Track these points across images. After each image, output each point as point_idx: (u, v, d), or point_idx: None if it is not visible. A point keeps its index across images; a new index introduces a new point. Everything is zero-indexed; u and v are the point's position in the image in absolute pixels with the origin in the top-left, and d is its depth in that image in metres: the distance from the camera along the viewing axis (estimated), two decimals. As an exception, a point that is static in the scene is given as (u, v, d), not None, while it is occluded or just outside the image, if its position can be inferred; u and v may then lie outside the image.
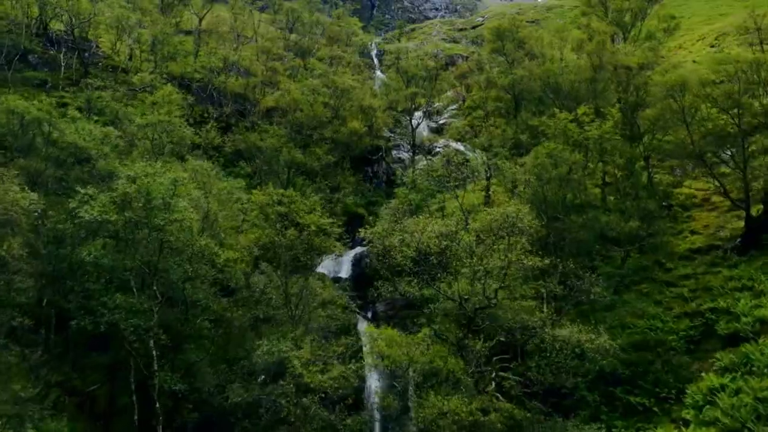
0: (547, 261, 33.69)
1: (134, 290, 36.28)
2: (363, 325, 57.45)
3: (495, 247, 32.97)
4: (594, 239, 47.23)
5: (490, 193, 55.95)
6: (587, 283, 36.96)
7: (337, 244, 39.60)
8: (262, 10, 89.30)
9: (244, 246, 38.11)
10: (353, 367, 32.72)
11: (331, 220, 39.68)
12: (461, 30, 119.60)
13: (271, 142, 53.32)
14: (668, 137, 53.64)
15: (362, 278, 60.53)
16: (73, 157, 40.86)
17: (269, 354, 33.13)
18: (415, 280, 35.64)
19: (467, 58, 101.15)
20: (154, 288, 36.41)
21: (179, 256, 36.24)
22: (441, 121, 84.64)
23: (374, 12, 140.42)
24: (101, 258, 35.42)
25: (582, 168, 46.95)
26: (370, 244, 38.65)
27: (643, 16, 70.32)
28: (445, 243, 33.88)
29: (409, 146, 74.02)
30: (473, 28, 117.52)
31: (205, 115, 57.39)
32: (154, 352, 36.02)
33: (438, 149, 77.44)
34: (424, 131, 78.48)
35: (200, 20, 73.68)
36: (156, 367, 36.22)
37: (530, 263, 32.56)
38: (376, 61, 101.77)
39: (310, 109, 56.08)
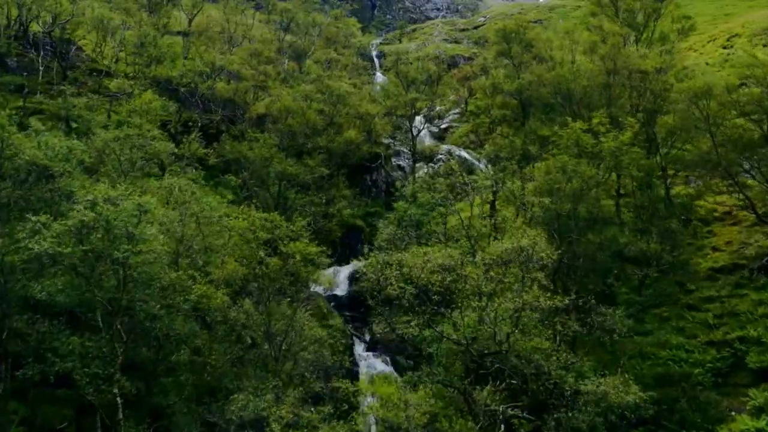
0: (567, 300, 28.23)
1: (100, 328, 31.14)
2: (360, 348, 52.40)
3: (506, 282, 27.54)
4: (611, 260, 41.95)
5: (495, 204, 50.67)
6: (610, 321, 31.56)
7: (326, 275, 34.14)
8: (258, 8, 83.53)
9: (224, 276, 32.68)
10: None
11: (318, 249, 34.16)
12: (463, 30, 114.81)
13: (260, 153, 47.87)
14: (688, 146, 48.52)
15: (359, 295, 55.51)
16: (35, 174, 35.36)
17: (245, 410, 27.77)
18: (415, 321, 30.27)
19: (469, 58, 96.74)
20: (118, 327, 31.11)
21: (147, 290, 30.87)
22: (443, 125, 79.23)
23: (375, 12, 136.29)
24: (56, 295, 30.04)
25: (597, 183, 41.56)
26: (363, 276, 33.16)
27: (657, 17, 64.80)
28: (449, 278, 28.49)
29: (409, 153, 68.49)
30: (475, 28, 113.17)
31: (190, 123, 51.82)
32: (118, 400, 30.74)
33: (440, 156, 72.15)
34: (425, 138, 72.99)
35: (190, 21, 68.23)
36: (121, 416, 30.98)
37: (549, 304, 27.17)
38: (376, 62, 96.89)
39: (303, 117, 50.61)
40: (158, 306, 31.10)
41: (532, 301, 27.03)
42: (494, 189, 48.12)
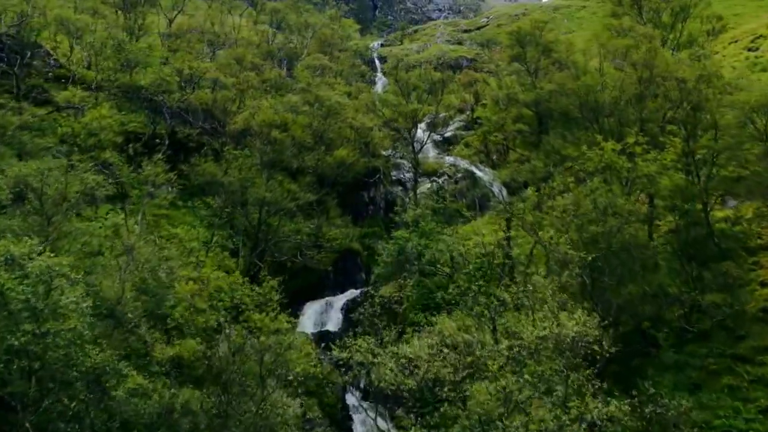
0: (625, 406, 19.45)
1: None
2: (353, 399, 43.89)
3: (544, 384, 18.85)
4: (657, 311, 33.26)
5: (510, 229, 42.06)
6: (674, 412, 22.89)
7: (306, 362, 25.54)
8: (252, 5, 74.05)
9: (170, 356, 23.84)
10: None
11: (289, 322, 25.39)
12: (466, 31, 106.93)
13: (236, 177, 39.12)
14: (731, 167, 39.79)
15: (354, 330, 46.89)
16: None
17: None
18: (417, 425, 21.55)
19: (473, 60, 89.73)
20: (28, 427, 22.45)
21: (63, 377, 22.21)
22: (447, 134, 70.25)
23: (376, 13, 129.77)
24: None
25: (638, 218, 32.81)
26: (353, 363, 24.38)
27: (685, 17, 55.92)
28: (463, 371, 19.86)
29: (410, 165, 59.40)
30: (478, 29, 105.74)
31: (158, 140, 43.10)
32: None
33: (444, 170, 63.28)
34: (429, 149, 63.97)
35: (170, 22, 59.37)
36: None
37: (605, 412, 18.45)
38: (377, 63, 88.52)
39: (287, 133, 41.78)
40: (80, 398, 22.41)
41: (581, 410, 18.33)
42: (509, 217, 39.54)
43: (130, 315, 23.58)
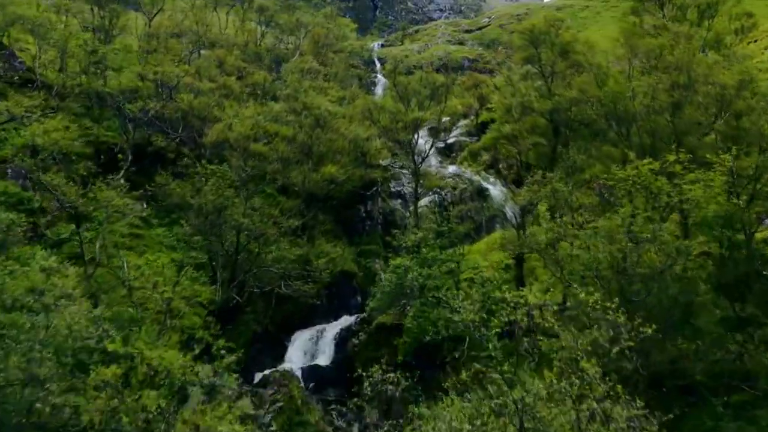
0: None
1: None
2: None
3: None
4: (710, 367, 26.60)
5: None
6: None
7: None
8: (240, 1, 67.15)
9: None
10: None
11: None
12: (467, 31, 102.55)
13: (208, 200, 32.48)
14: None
15: (349, 365, 40.41)
16: None
17: None
18: None
19: (474, 60, 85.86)
20: None
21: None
22: (450, 140, 63.58)
23: (377, 13, 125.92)
24: None
25: (687, 256, 26.17)
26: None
27: (713, 14, 49.25)
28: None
29: (410, 175, 52.56)
30: (479, 29, 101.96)
31: (120, 156, 36.54)
32: None
33: (447, 180, 56.57)
34: (431, 157, 57.20)
35: (150, 21, 52.68)
36: None
37: None
38: (378, 64, 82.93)
39: (269, 147, 35.17)
40: None
41: None
42: (523, 250, 32.97)
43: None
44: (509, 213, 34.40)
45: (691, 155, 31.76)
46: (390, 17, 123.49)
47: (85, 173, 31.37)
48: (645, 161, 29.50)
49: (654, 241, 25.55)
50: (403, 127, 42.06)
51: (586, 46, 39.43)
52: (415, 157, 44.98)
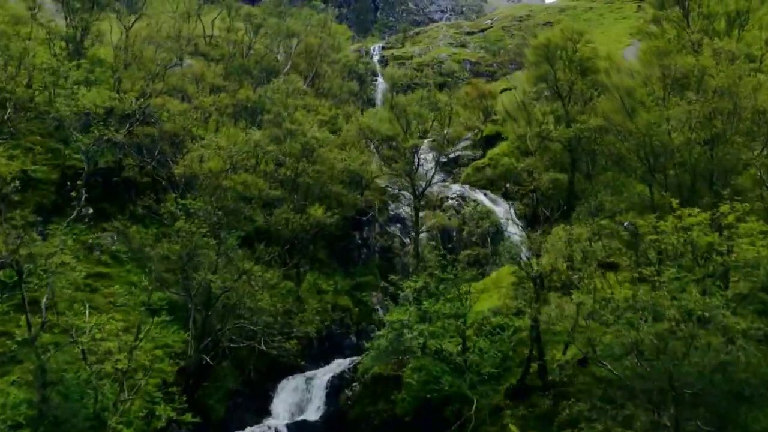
0: None
1: None
2: None
3: None
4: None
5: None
6: None
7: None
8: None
9: None
10: None
11: None
12: (469, 33, 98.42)
13: (174, 249, 26.75)
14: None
15: (341, 420, 34.99)
16: None
17: None
18: None
19: (476, 63, 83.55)
20: None
21: None
22: (453, 155, 57.86)
23: (377, 15, 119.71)
24: None
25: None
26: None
27: (744, 23, 43.34)
28: None
29: (410, 196, 46.75)
30: (481, 31, 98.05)
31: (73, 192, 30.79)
32: None
33: (450, 202, 50.88)
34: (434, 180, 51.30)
35: (127, 30, 46.78)
36: None
37: None
38: (378, 67, 79.12)
39: (244, 184, 29.40)
40: None
41: None
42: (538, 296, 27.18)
43: None
44: (525, 256, 28.70)
45: (738, 198, 26.11)
46: (391, 18, 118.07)
47: (23, 222, 25.60)
48: (694, 212, 23.61)
49: (709, 322, 19.93)
50: (402, 154, 36.28)
51: (608, 62, 33.49)
52: (416, 186, 39.13)
